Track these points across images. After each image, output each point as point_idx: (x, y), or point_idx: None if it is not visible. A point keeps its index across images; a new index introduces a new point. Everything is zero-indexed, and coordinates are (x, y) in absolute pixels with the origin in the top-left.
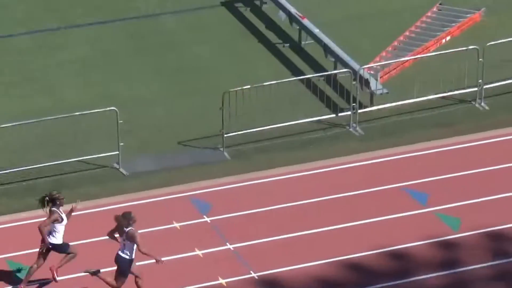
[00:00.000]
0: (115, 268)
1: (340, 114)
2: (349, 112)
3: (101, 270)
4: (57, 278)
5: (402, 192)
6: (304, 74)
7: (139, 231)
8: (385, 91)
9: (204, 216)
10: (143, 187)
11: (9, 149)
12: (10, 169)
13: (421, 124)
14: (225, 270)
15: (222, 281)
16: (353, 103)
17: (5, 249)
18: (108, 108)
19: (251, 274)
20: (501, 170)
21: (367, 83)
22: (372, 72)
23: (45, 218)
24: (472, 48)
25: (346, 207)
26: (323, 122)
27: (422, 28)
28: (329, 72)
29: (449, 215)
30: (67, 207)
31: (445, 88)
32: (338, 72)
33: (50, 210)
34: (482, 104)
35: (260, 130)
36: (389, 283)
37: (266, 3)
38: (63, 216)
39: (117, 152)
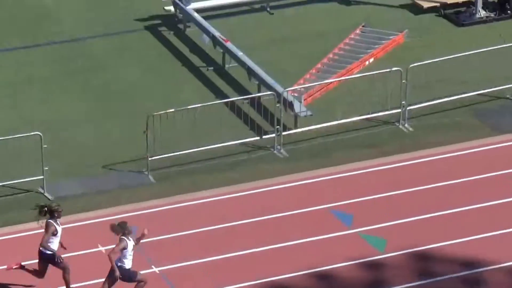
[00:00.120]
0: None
1: (264, 137)
2: (273, 135)
3: None
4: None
5: (327, 214)
6: (228, 97)
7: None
8: (309, 113)
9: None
10: (68, 211)
11: None
12: None
13: (346, 146)
14: None
15: None
16: (277, 125)
17: None
18: (32, 133)
19: None
20: (425, 190)
21: (291, 105)
22: (296, 94)
23: (42, 232)
24: (396, 70)
25: (272, 229)
26: (247, 144)
27: (345, 50)
28: (253, 95)
29: (375, 235)
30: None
31: (369, 109)
32: (262, 95)
33: (47, 223)
34: (406, 125)
35: (185, 153)
36: None
37: (189, 26)
38: (59, 228)
39: (42, 177)
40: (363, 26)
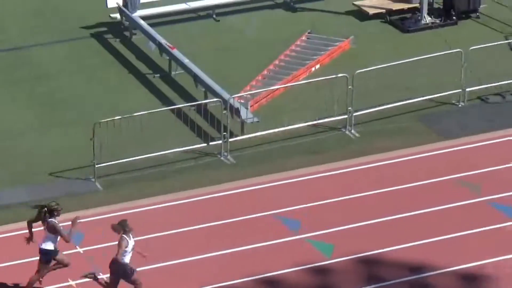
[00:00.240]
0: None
1: (211, 143)
2: (220, 141)
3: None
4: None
5: (274, 220)
6: (174, 104)
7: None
8: (255, 119)
9: (77, 247)
10: (14, 219)
11: None
12: None
13: (293, 152)
14: None
15: None
16: (224, 132)
17: None
18: None
19: None
20: (372, 196)
21: (237, 112)
22: (242, 101)
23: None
24: (342, 76)
25: (218, 235)
26: (194, 151)
27: (291, 57)
28: (199, 102)
29: (322, 241)
30: None
31: (316, 115)
32: (208, 102)
33: (46, 221)
34: (352, 131)
35: (132, 160)
36: None
37: (136, 34)
38: (58, 228)
39: None
40: (309, 33)
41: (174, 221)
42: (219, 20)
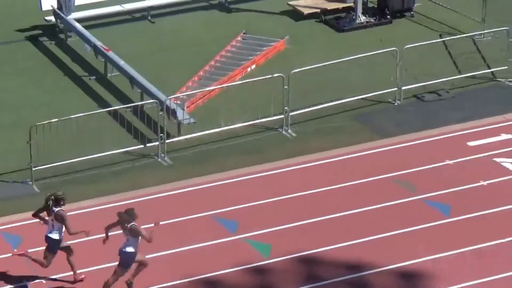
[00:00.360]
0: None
1: (148, 145)
2: (157, 143)
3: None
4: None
5: (212, 221)
6: (111, 106)
7: None
8: (192, 120)
9: (15, 250)
10: None
11: None
12: None
13: (230, 152)
14: None
15: None
16: (160, 133)
17: None
18: None
19: None
20: (309, 195)
21: (174, 113)
22: (178, 102)
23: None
24: (277, 76)
25: (156, 237)
26: (131, 153)
27: (227, 58)
28: (135, 103)
29: (260, 241)
30: None
31: (252, 116)
32: (144, 103)
33: (53, 210)
34: (289, 131)
35: (68, 162)
36: None
37: (71, 36)
38: (64, 216)
39: None
40: (244, 33)
41: (110, 223)
42: (154, 22)
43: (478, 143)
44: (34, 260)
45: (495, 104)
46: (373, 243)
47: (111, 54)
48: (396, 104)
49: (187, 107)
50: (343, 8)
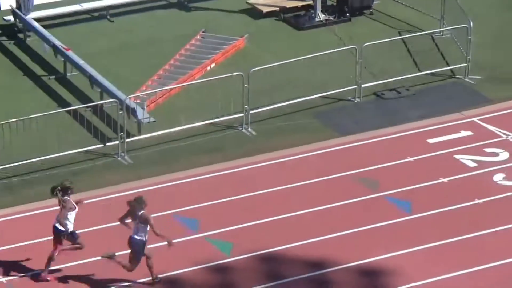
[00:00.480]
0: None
1: (108, 144)
2: (117, 142)
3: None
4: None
5: (173, 219)
6: (70, 105)
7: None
8: (152, 119)
9: None
10: None
11: None
12: None
13: (190, 151)
14: None
15: None
16: (120, 132)
17: None
18: None
19: None
20: (269, 194)
21: (134, 112)
22: (138, 101)
23: (59, 208)
24: (237, 74)
25: (117, 236)
26: (91, 152)
27: (186, 56)
28: (95, 103)
29: (221, 239)
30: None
31: (212, 114)
32: (104, 102)
33: (62, 199)
34: (249, 129)
35: (28, 162)
36: None
37: (30, 36)
38: (75, 204)
39: None
40: (203, 32)
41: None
42: (113, 21)
43: (438, 140)
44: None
45: (454, 101)
46: (334, 240)
47: (70, 53)
48: (355, 102)
49: (147, 106)
50: (302, 6)
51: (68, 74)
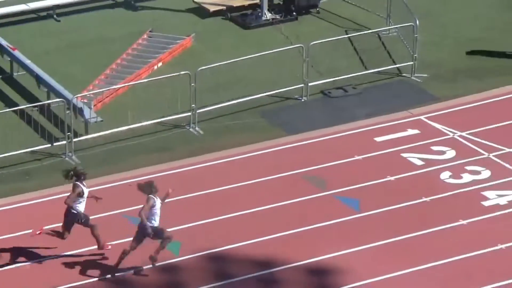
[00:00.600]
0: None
1: (55, 144)
2: (64, 142)
3: None
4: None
5: (122, 219)
6: (17, 105)
7: None
8: (99, 119)
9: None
10: None
11: None
12: None
13: (137, 151)
14: None
15: None
16: (68, 132)
17: None
18: None
19: None
20: (218, 192)
21: (81, 111)
22: (85, 101)
23: (69, 193)
24: (184, 73)
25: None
26: (39, 152)
27: (133, 56)
28: (42, 102)
29: None
30: None
31: (160, 113)
32: (51, 102)
33: (74, 184)
34: (197, 128)
35: None
36: None
37: None
38: (85, 189)
39: None
40: (150, 31)
41: (18, 223)
42: (60, 20)
43: (385, 138)
44: (52, 234)
45: (401, 100)
46: (283, 239)
47: (17, 53)
48: (303, 100)
49: (94, 106)
50: (249, 5)
51: (15, 74)
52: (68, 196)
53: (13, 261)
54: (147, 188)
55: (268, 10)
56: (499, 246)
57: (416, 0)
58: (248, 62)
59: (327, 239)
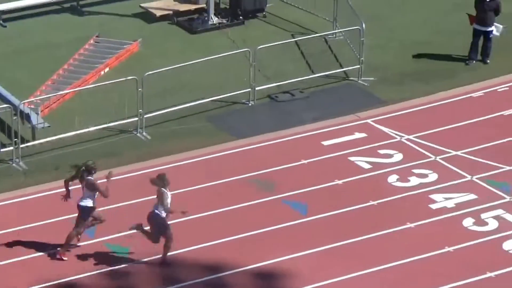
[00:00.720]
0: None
1: (2, 150)
2: (11, 148)
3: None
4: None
5: (70, 225)
6: None
7: None
8: (46, 125)
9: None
10: None
11: None
12: None
13: (85, 156)
14: None
15: None
16: (15, 138)
17: None
18: None
19: None
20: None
21: (28, 117)
22: (32, 106)
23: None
24: (131, 78)
25: (12, 243)
26: None
27: (80, 61)
28: None
29: (117, 244)
30: None
31: (107, 119)
32: None
33: (84, 179)
34: (144, 133)
35: None
36: None
37: None
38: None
39: None
40: (97, 37)
41: None
42: (6, 26)
43: (333, 142)
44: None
45: (348, 103)
46: (231, 243)
47: None
48: (250, 104)
49: (41, 111)
50: (195, 9)
51: None
52: (102, 193)
53: None
54: (160, 181)
55: (215, 14)
56: (446, 249)
57: (363, 3)
58: (195, 66)
59: (275, 243)
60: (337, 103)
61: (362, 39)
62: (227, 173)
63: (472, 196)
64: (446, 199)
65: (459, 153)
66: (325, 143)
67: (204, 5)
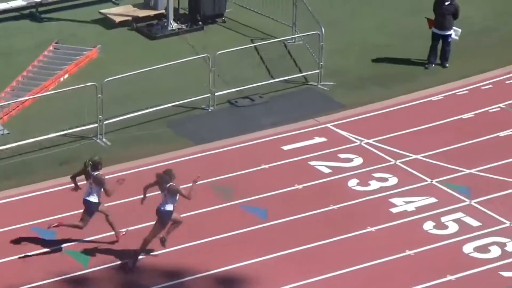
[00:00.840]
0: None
1: None
2: None
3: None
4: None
5: (30, 231)
6: None
7: None
8: (6, 132)
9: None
10: None
11: None
12: None
13: (44, 163)
14: None
15: None
16: None
17: None
18: None
19: None
20: (124, 204)
21: None
22: None
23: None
24: (91, 85)
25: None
26: None
27: (39, 68)
28: None
29: (78, 251)
30: None
31: (66, 125)
32: None
33: (93, 175)
34: (104, 139)
35: None
36: None
37: None
38: (103, 180)
39: None
40: (56, 43)
41: None
42: None
43: (292, 147)
44: (71, 226)
45: (308, 108)
46: (191, 249)
47: None
48: (209, 110)
49: (0, 119)
50: (154, 15)
51: None
52: (106, 191)
53: None
54: (167, 176)
55: (174, 20)
56: (407, 252)
57: (322, 8)
58: (155, 72)
59: (235, 248)
60: (296, 107)
61: (322, 43)
62: (186, 179)
63: (432, 200)
64: (407, 202)
65: (419, 156)
66: (285, 147)
67: (163, 11)
